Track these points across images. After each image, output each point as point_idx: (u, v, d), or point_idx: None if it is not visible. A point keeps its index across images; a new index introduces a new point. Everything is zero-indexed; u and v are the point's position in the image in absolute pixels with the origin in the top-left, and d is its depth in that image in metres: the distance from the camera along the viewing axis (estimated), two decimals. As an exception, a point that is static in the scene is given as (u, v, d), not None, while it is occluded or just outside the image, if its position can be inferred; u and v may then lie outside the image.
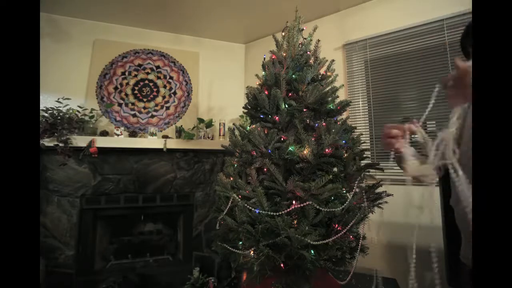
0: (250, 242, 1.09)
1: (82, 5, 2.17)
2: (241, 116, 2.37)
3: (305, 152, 1.09)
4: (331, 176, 1.03)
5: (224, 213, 1.15)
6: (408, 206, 1.53)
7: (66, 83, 2.22)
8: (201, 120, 2.40)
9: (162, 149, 2.15)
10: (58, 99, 2.06)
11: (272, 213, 1.05)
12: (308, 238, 1.00)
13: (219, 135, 2.47)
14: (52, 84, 2.17)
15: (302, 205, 1.05)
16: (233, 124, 1.44)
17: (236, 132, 1.36)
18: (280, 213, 1.04)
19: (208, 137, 2.43)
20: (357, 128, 1.68)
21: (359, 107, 2.09)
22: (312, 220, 1.06)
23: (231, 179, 1.23)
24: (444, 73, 1.77)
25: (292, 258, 1.09)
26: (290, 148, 1.13)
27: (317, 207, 1.05)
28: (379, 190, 1.27)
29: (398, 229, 1.77)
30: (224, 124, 2.49)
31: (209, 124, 2.41)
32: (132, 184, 2.20)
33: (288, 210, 1.05)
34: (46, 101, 2.06)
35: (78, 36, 2.32)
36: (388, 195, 1.25)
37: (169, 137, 2.27)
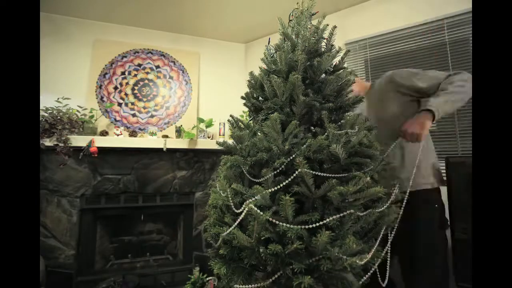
0: (274, 267, 0.88)
1: (82, 5, 2.17)
2: (241, 116, 2.37)
3: (337, 149, 0.90)
4: (369, 177, 0.90)
5: (233, 227, 0.95)
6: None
7: (66, 83, 2.22)
8: (201, 120, 2.40)
9: (162, 149, 2.15)
10: (58, 99, 2.06)
11: (306, 227, 0.85)
12: (358, 258, 0.82)
13: (219, 135, 2.47)
14: (52, 84, 2.17)
15: (342, 214, 0.87)
16: (231, 116, 1.27)
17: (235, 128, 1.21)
18: (315, 225, 0.85)
19: (208, 137, 2.43)
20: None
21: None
22: (354, 233, 0.91)
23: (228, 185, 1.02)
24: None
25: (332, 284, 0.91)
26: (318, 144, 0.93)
27: (361, 215, 0.90)
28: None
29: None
30: (224, 124, 2.49)
31: (209, 124, 2.41)
32: (132, 184, 2.20)
33: (326, 221, 0.86)
34: (46, 101, 2.06)
35: (78, 36, 2.32)
36: (403, 198, 1.12)
37: (169, 137, 2.27)
